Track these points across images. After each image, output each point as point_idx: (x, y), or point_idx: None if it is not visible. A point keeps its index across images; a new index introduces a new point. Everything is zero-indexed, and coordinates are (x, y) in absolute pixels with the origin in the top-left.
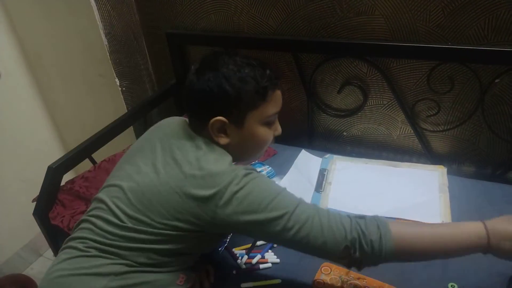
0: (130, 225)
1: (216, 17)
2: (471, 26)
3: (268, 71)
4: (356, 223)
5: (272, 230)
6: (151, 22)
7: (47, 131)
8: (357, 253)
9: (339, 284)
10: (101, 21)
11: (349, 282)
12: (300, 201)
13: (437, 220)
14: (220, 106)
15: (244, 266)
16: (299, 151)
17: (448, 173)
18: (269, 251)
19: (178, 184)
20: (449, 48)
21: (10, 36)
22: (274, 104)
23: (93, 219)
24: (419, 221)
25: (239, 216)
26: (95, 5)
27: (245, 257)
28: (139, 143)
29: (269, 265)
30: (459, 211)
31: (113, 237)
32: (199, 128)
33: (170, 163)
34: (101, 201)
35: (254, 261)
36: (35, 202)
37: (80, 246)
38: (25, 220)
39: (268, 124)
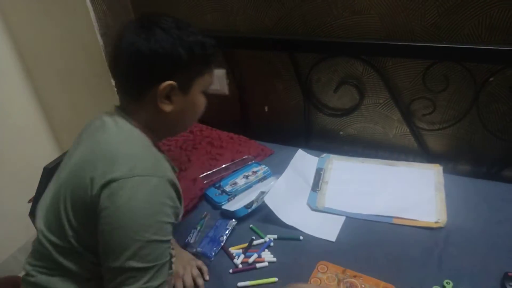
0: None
1: (212, 16)
2: (465, 25)
3: (213, 41)
4: None
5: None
6: None
7: (43, 131)
8: None
9: (335, 282)
10: (97, 21)
11: (345, 280)
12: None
13: (433, 218)
14: (171, 70)
15: (240, 266)
16: (296, 151)
17: (444, 171)
18: (266, 250)
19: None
20: (444, 47)
21: (5, 36)
22: (213, 74)
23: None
24: None
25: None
26: (90, 6)
27: (242, 256)
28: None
29: (266, 264)
30: (455, 209)
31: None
32: (136, 101)
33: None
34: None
35: (250, 260)
36: (31, 203)
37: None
38: (21, 223)
39: (205, 93)
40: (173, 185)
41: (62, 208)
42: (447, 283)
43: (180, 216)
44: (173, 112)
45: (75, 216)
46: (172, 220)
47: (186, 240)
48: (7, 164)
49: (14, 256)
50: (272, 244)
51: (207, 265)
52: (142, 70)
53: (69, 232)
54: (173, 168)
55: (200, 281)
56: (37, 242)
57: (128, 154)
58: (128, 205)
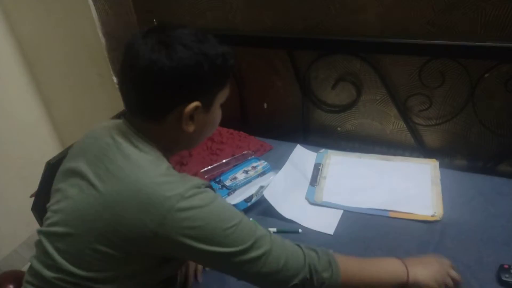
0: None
1: (212, 15)
2: (460, 22)
3: (231, 49)
4: (310, 259)
5: (223, 263)
6: (148, 21)
7: (45, 129)
8: None
9: None
10: (99, 20)
11: None
12: (256, 231)
13: (429, 212)
14: (196, 89)
15: None
16: (294, 146)
17: (441, 166)
18: None
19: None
20: (440, 44)
21: (8, 35)
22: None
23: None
24: (361, 258)
25: (186, 239)
26: (92, 5)
27: None
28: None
29: None
30: (451, 203)
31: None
32: (152, 121)
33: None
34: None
35: None
36: (33, 198)
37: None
38: (24, 218)
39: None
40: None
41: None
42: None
43: None
44: (194, 131)
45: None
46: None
47: None
48: (10, 160)
49: (16, 251)
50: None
51: None
52: (165, 91)
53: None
54: None
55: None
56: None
57: (154, 194)
58: (206, 210)
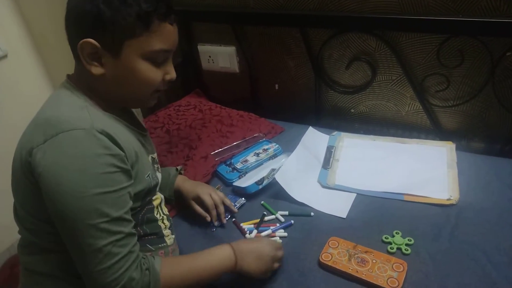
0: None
1: None
2: None
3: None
4: (129, 281)
5: (62, 222)
6: None
7: None
8: None
9: (346, 258)
10: None
11: (356, 255)
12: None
13: (445, 195)
14: (92, 27)
15: None
16: (306, 129)
17: (457, 149)
18: (277, 224)
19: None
20: (460, 21)
21: (16, 16)
22: (162, 38)
23: None
24: (182, 257)
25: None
26: None
27: (254, 231)
28: None
29: (277, 239)
30: (467, 187)
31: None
32: (76, 61)
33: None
34: None
35: (262, 235)
36: None
37: None
38: None
39: (154, 61)
40: (105, 133)
41: (13, 191)
42: (396, 233)
43: (137, 162)
44: (109, 77)
45: (17, 188)
46: (117, 168)
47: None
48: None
49: None
50: (292, 222)
51: (210, 235)
52: (69, 29)
53: (18, 204)
54: (140, 134)
55: (227, 201)
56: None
57: (54, 116)
58: (57, 163)
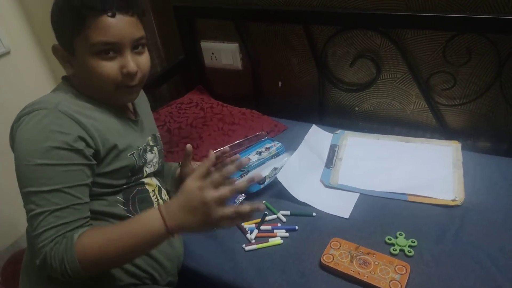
0: None
1: None
2: None
3: None
4: (51, 244)
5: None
6: (160, 1)
7: None
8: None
9: (348, 259)
10: None
11: (358, 257)
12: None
13: (450, 196)
14: (54, 33)
15: (253, 241)
16: (310, 127)
17: (463, 148)
18: (278, 224)
19: None
20: (467, 18)
21: (18, 12)
22: (99, 31)
23: None
24: (108, 226)
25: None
26: None
27: (255, 231)
28: None
29: (278, 239)
30: (473, 187)
31: None
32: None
33: None
34: None
35: (263, 235)
36: None
37: None
38: None
39: (102, 56)
40: (68, 114)
41: None
42: (399, 234)
43: (100, 146)
44: (77, 75)
45: None
46: (67, 146)
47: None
48: None
49: None
50: (297, 228)
51: (210, 235)
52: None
53: None
54: (131, 121)
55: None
56: None
57: (36, 100)
58: (20, 135)
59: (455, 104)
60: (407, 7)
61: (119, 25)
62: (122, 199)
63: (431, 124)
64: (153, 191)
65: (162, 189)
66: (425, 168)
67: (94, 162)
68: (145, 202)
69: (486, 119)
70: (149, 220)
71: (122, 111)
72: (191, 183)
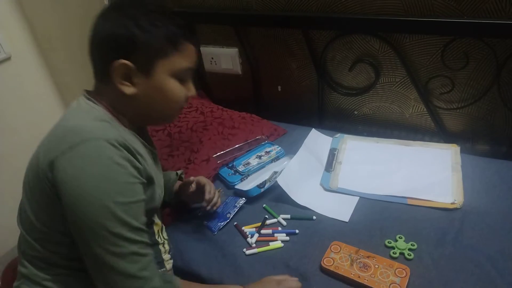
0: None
1: None
2: None
3: (181, 21)
4: None
5: (82, 237)
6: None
7: (58, 112)
8: None
9: (348, 263)
10: (110, 2)
11: (358, 260)
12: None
13: (449, 199)
14: (125, 50)
15: (254, 244)
16: (309, 131)
17: (462, 151)
18: (279, 228)
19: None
20: (465, 22)
21: (19, 18)
22: (187, 57)
23: None
24: (198, 285)
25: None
26: None
27: (256, 235)
28: None
29: (279, 242)
30: (472, 190)
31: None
32: (102, 81)
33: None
34: None
35: (263, 239)
36: None
37: None
38: None
39: (180, 79)
40: (125, 146)
41: (25, 197)
42: (399, 237)
43: (151, 175)
44: (139, 96)
45: (31, 197)
46: (136, 179)
47: (195, 213)
48: (23, 146)
49: None
50: (297, 231)
51: (211, 239)
52: (99, 51)
53: (34, 219)
54: (151, 152)
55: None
56: (21, 237)
57: (77, 125)
58: (83, 173)
59: (453, 107)
60: (405, 12)
61: (196, 53)
62: None
63: (430, 127)
64: (158, 231)
65: (163, 226)
66: (424, 172)
67: None
68: (152, 245)
69: (485, 123)
70: None
71: (149, 142)
72: (271, 278)
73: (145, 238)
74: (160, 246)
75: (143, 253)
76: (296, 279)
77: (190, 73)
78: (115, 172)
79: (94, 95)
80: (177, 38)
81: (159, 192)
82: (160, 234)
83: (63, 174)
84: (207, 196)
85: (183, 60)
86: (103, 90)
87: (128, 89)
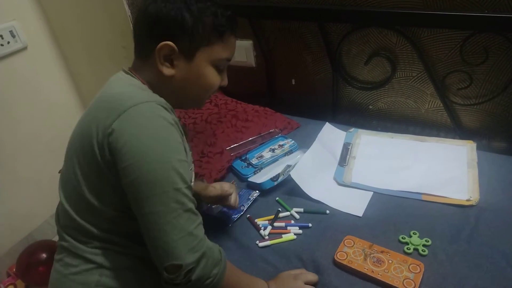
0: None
1: None
2: None
3: (229, 12)
4: (209, 250)
5: (135, 190)
6: None
7: (73, 102)
8: (183, 278)
9: (362, 257)
10: None
11: (372, 255)
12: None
13: (464, 196)
14: (173, 32)
15: (267, 237)
16: (323, 125)
17: (478, 148)
18: (292, 221)
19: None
20: (485, 17)
21: (35, 8)
22: (228, 48)
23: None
24: (238, 270)
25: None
26: None
27: (269, 227)
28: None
29: (292, 234)
30: (488, 188)
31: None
32: (142, 59)
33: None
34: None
35: (276, 231)
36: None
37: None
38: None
39: (218, 68)
40: (169, 108)
41: (75, 168)
42: (413, 233)
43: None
44: (176, 78)
45: (89, 171)
46: (181, 141)
47: (209, 204)
48: (39, 134)
49: (48, 222)
50: (310, 225)
51: (225, 231)
52: (145, 29)
53: (86, 189)
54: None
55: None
56: (62, 211)
57: (120, 93)
58: (141, 136)
59: (470, 103)
60: (424, 5)
61: (235, 44)
62: None
63: (446, 123)
64: None
65: None
66: (440, 168)
67: None
68: None
69: (502, 119)
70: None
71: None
72: (288, 273)
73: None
74: None
75: (196, 212)
76: (313, 273)
77: (227, 63)
78: (171, 131)
79: (132, 70)
80: (224, 29)
81: (191, 166)
82: None
83: (125, 135)
84: (232, 203)
85: (224, 50)
86: (142, 67)
87: (168, 70)
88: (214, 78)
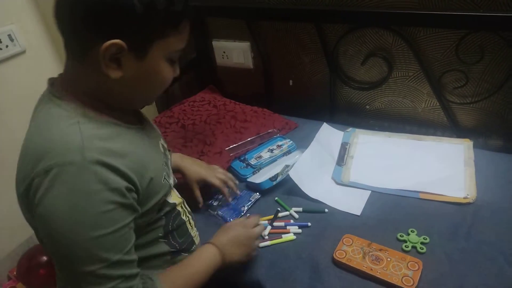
0: None
1: None
2: None
3: None
4: None
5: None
6: None
7: None
8: None
9: (360, 255)
10: None
11: (371, 253)
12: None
13: (461, 194)
14: (120, 25)
15: (267, 237)
16: (321, 125)
17: (475, 146)
18: (291, 220)
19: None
20: (481, 16)
21: (34, 11)
22: (183, 38)
23: None
24: (175, 270)
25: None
26: None
27: (268, 227)
28: None
29: (292, 235)
30: (485, 185)
31: None
32: (79, 60)
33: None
34: None
35: (276, 231)
36: None
37: None
38: None
39: (171, 61)
40: (101, 163)
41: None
42: (411, 231)
43: (149, 183)
44: (125, 79)
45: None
46: (115, 205)
47: (210, 202)
48: None
49: None
50: (309, 224)
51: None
52: (84, 24)
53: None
54: (142, 129)
55: (230, 183)
56: None
57: (44, 144)
58: (52, 207)
59: (467, 102)
60: (419, 5)
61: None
62: (162, 234)
63: (443, 122)
64: (180, 206)
65: (183, 199)
66: (437, 166)
67: (139, 210)
68: (180, 226)
69: (498, 118)
70: (210, 258)
71: (132, 118)
72: (236, 224)
73: (127, 270)
74: (187, 224)
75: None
76: (256, 216)
77: (181, 53)
78: (85, 202)
79: (64, 82)
80: (180, 17)
81: (166, 173)
82: (184, 208)
83: (37, 206)
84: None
85: (180, 41)
86: (78, 73)
87: (114, 73)
88: (169, 73)
